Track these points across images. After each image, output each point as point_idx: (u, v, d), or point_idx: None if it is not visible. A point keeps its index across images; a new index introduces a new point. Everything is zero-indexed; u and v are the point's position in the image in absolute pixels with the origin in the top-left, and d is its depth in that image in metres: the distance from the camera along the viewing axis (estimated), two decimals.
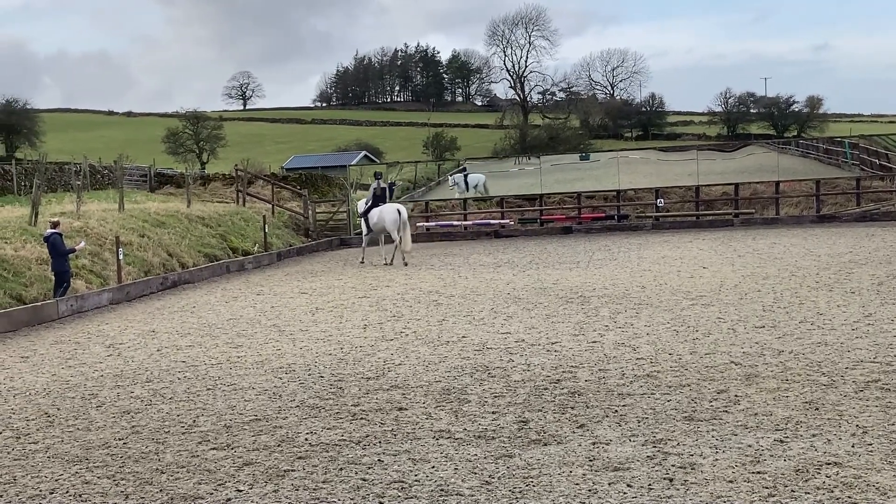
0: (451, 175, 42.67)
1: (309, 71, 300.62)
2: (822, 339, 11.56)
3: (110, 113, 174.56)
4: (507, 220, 37.16)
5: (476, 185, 40.16)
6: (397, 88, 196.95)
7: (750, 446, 7.32)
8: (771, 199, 36.63)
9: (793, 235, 28.27)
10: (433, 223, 37.64)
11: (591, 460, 7.17)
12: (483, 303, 16.65)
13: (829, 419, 7.99)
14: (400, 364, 11.39)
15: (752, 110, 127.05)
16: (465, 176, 41.04)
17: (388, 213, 26.17)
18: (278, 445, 8.11)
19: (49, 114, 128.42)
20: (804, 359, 10.43)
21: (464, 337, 13.07)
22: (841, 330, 12.09)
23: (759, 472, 6.66)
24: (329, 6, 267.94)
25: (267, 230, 30.83)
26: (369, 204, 27.15)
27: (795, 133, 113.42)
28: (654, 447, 7.42)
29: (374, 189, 27.38)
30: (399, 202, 30.99)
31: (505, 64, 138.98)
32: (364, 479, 7.00)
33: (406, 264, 25.55)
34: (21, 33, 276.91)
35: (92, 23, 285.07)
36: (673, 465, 6.93)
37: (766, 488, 6.33)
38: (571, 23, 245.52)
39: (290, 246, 32.48)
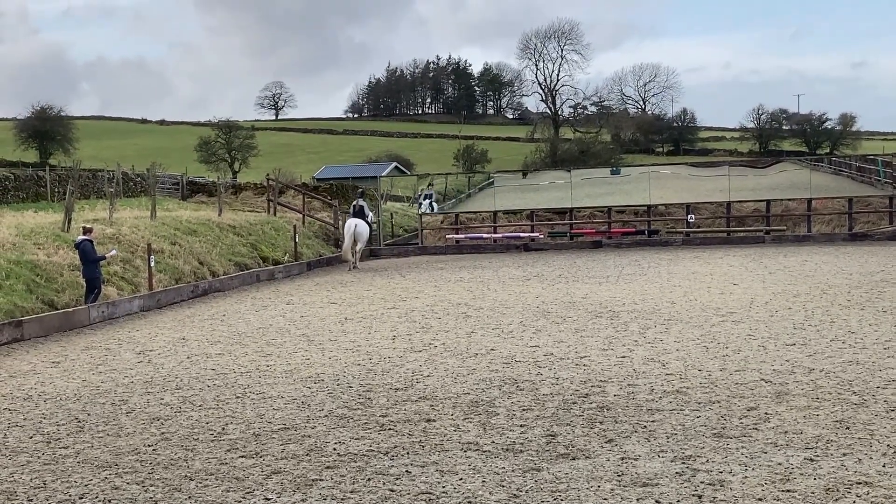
0: (421, 196, 43.28)
1: (342, 82, 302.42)
2: (853, 357, 11.47)
3: (144, 121, 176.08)
4: (537, 234, 37.14)
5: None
6: (429, 100, 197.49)
7: (780, 464, 7.26)
8: (802, 216, 36.41)
9: (824, 253, 28.07)
10: (463, 235, 37.66)
11: (619, 475, 7.14)
12: (512, 316, 16.63)
13: (859, 438, 7.92)
14: (428, 375, 11.40)
15: (784, 127, 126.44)
16: (430, 197, 42.10)
17: (346, 225, 30.12)
18: (307, 455, 8.13)
19: (84, 121, 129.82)
20: (835, 377, 10.35)
21: (492, 349, 13.07)
22: (872, 349, 11.99)
23: (788, 491, 6.61)
24: (368, 16, 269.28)
25: (297, 240, 30.94)
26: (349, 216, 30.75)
27: (828, 150, 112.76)
28: (683, 463, 7.38)
29: (353, 205, 31.01)
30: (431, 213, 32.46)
31: (536, 77, 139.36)
32: (392, 490, 7.01)
33: (353, 266, 29.48)
34: (61, 39, 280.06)
35: (132, 29, 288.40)
36: (702, 482, 6.89)
37: None
38: (608, 35, 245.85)
39: (321, 256, 32.58)
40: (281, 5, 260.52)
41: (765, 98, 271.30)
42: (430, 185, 44.34)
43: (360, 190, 33.77)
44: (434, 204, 42.95)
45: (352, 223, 29.72)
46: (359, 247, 30.06)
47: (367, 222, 30.48)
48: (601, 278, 23.05)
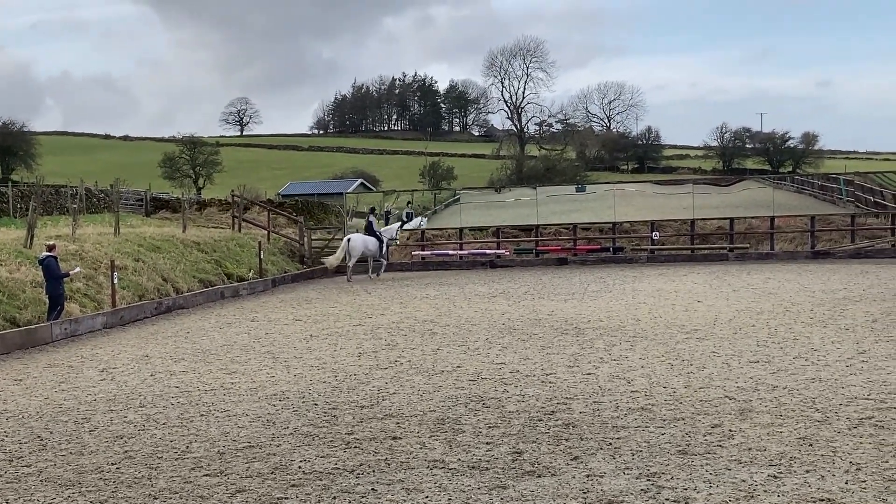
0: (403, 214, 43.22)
1: (308, 98, 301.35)
2: (816, 375, 11.58)
3: (107, 136, 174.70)
4: (503, 251, 37.22)
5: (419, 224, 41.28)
6: (395, 117, 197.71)
7: (744, 481, 7.33)
8: (766, 234, 36.72)
9: (787, 271, 28.33)
10: (429, 252, 37.66)
11: (584, 493, 7.17)
12: (478, 333, 16.66)
13: (822, 455, 8.01)
14: (394, 393, 11.39)
15: (747, 145, 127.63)
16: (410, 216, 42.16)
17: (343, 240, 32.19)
18: (272, 473, 8.10)
19: (47, 136, 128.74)
20: (798, 394, 10.45)
21: (458, 367, 13.08)
22: (835, 366, 12.12)
23: None
24: (336, 31, 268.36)
25: (262, 256, 30.84)
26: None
27: (791, 169, 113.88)
28: (649, 480, 7.43)
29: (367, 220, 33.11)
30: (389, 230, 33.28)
31: (502, 95, 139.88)
32: None
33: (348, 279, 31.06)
34: (27, 54, 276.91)
35: (99, 45, 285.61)
36: (667, 499, 6.93)
37: None
38: (574, 53, 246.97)
39: (286, 272, 32.47)
40: (250, 21, 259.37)
41: (730, 117, 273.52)
42: (408, 203, 44.36)
43: (371, 207, 35.60)
44: (423, 220, 42.95)
45: (346, 238, 31.91)
46: (351, 261, 31.46)
47: (378, 238, 32.32)
48: (567, 295, 23.13)
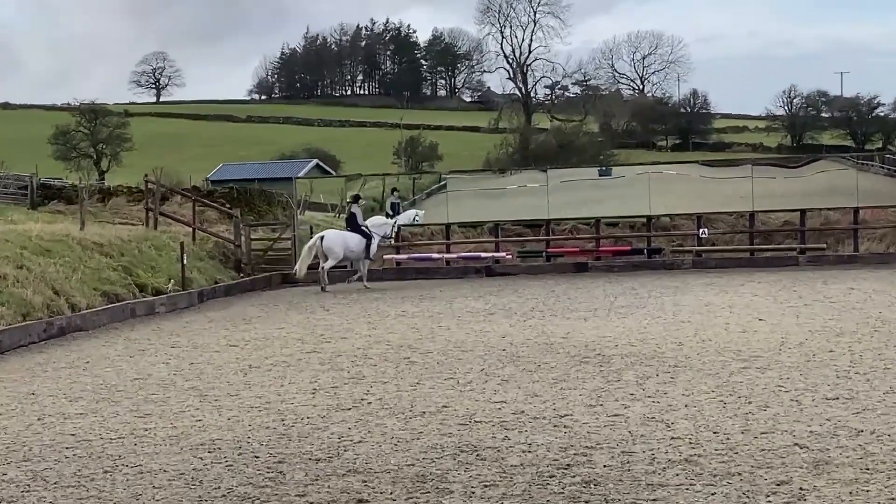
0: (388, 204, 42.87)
1: (246, 53, 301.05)
2: None
3: None
4: (504, 254, 37.27)
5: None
6: (360, 78, 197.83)
7: None
8: (847, 230, 36.84)
9: (876, 279, 28.41)
10: (405, 256, 37.69)
11: None
12: (470, 362, 16.66)
13: None
14: (360, 441, 11.38)
15: (823, 114, 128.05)
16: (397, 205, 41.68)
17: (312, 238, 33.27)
18: None
19: None
20: (890, 441, 10.47)
21: (445, 406, 13.07)
22: None
23: None
24: None
25: (186, 262, 30.77)
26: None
27: (880, 145, 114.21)
28: None
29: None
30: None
31: (502, 48, 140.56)
32: None
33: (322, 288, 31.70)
34: None
35: None
36: None
37: None
38: None
39: (217, 283, 32.43)
40: None
41: (800, 77, 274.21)
42: (393, 190, 44.06)
43: (355, 194, 36.39)
44: (419, 213, 42.52)
45: (318, 236, 32.75)
46: (328, 263, 32.15)
47: (365, 233, 33.06)
48: (587, 312, 23.15)
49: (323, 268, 32.16)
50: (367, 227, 33.26)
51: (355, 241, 32.68)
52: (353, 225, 33.36)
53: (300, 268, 32.56)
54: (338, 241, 32.36)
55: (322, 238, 32.32)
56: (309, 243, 32.78)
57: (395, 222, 35.34)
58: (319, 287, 31.79)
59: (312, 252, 32.25)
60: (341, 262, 32.96)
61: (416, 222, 40.19)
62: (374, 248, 33.38)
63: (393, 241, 38.69)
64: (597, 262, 35.95)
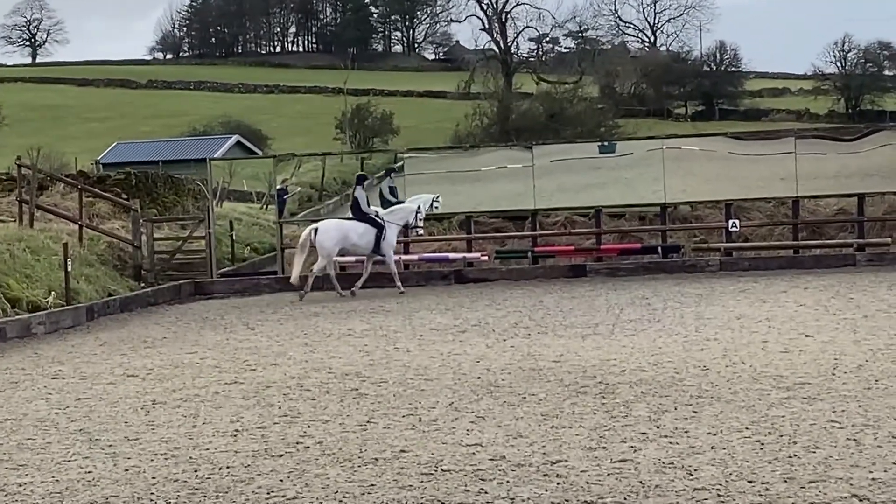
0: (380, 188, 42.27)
1: (145, 3, 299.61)
2: None
3: None
4: (478, 254, 37.26)
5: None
6: (293, 31, 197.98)
7: None
8: None
9: None
10: (352, 259, 37.64)
11: None
12: (436, 394, 16.65)
13: None
14: (294, 498, 11.36)
15: (886, 72, 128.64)
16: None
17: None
18: None
19: None
20: None
21: (403, 451, 13.05)
22: None
23: None
24: None
25: (71, 269, 30.64)
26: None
27: None
28: None
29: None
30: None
31: None
32: None
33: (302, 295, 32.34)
34: None
35: None
36: None
37: None
38: None
39: (111, 295, 32.31)
40: None
41: (855, 25, 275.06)
42: (389, 171, 42.21)
43: (359, 174, 36.20)
44: (437, 199, 40.87)
45: (311, 227, 33.28)
46: (318, 264, 33.20)
47: (375, 222, 33.34)
48: (586, 328, 23.19)
49: (313, 273, 32.83)
50: (375, 214, 33.55)
51: (358, 231, 32.88)
52: (357, 212, 33.67)
53: (294, 271, 32.83)
54: (332, 233, 32.55)
55: (315, 231, 32.67)
56: (301, 238, 33.22)
57: (419, 207, 34.75)
58: (298, 294, 32.34)
59: (306, 249, 32.70)
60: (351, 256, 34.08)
61: (435, 209, 39.38)
62: (390, 240, 33.49)
63: None
64: (597, 263, 35.99)
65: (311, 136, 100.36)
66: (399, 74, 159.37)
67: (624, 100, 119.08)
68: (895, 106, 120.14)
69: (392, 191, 38.96)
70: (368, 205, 33.78)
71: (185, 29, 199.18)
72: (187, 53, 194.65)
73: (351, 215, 33.90)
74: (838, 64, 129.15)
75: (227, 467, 12.77)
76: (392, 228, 33.47)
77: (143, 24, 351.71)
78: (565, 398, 15.83)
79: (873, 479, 11.04)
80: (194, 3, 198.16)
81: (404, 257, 37.27)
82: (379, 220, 33.26)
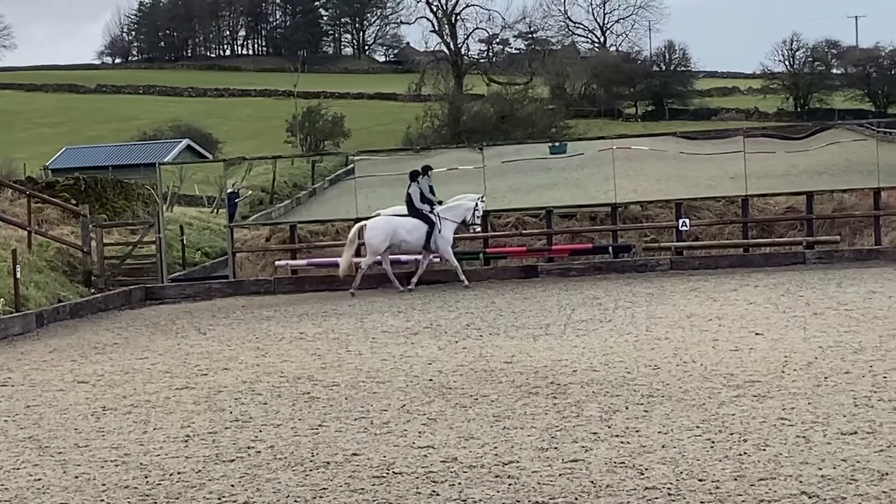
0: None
1: (93, 7, 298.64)
2: None
3: None
4: (431, 256, 37.22)
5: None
6: (243, 34, 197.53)
7: None
8: (867, 217, 37.13)
9: None
10: (304, 261, 37.57)
11: None
12: (388, 396, 16.64)
13: None
14: (246, 502, 11.34)
15: (834, 70, 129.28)
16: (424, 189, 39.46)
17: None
18: None
19: None
20: None
21: (355, 455, 13.04)
22: None
23: None
24: None
25: (20, 275, 30.50)
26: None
27: None
28: None
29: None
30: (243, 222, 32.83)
31: None
32: None
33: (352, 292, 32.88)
34: None
35: None
36: None
37: None
38: None
39: (60, 302, 32.16)
40: None
41: (804, 24, 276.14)
42: (427, 169, 39.32)
43: (413, 170, 35.32)
44: (481, 199, 38.66)
45: (359, 224, 33.62)
46: (366, 260, 33.47)
47: (426, 218, 33.41)
48: (537, 329, 23.22)
49: (362, 269, 33.23)
50: (432, 210, 33.61)
51: (408, 227, 33.10)
52: (410, 208, 33.81)
53: (342, 265, 33.22)
54: (380, 229, 32.86)
55: (363, 227, 33.05)
56: (350, 234, 33.47)
57: (476, 204, 34.45)
58: (349, 291, 32.73)
59: (354, 244, 33.12)
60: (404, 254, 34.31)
61: (479, 212, 38.76)
62: (446, 237, 33.59)
63: (285, 241, 38.60)
64: (549, 264, 35.98)
65: (262, 140, 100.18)
66: (349, 77, 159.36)
67: (574, 100, 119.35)
68: (843, 104, 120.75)
69: (431, 189, 38.22)
70: (422, 201, 33.79)
71: (133, 33, 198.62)
72: (136, 58, 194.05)
73: (408, 212, 33.74)
74: (787, 63, 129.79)
75: (178, 473, 12.74)
76: (448, 225, 33.66)
77: (91, 29, 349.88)
78: (517, 399, 15.86)
79: (822, 475, 11.10)
80: (143, 7, 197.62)
81: (355, 260, 37.16)
82: (432, 216, 33.43)
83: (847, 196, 38.95)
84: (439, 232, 33.25)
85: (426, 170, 34.47)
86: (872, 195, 37.11)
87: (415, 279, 33.53)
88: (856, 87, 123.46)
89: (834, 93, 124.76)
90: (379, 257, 33.27)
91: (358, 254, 33.77)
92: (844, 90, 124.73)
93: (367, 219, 34.30)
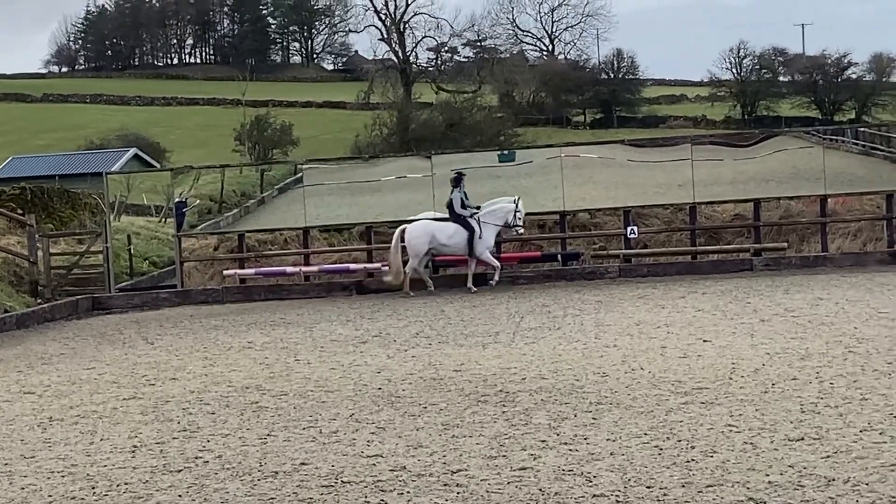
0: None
1: (39, 15, 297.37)
2: None
3: None
4: (379, 265, 37.20)
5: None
6: (190, 43, 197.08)
7: None
8: (814, 224, 37.32)
9: (851, 285, 28.83)
10: (252, 270, 37.50)
11: None
12: (336, 405, 16.62)
13: None
14: None
15: (781, 78, 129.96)
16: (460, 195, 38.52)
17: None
18: None
19: None
20: (870, 492, 10.60)
21: (304, 464, 13.02)
22: None
23: None
24: None
25: None
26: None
27: (853, 116, 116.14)
28: None
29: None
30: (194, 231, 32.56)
31: (372, 1, 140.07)
32: None
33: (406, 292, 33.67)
34: None
35: None
36: None
37: None
38: None
39: (6, 312, 32.00)
40: None
41: (751, 31, 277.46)
42: (460, 175, 38.20)
43: (455, 176, 35.65)
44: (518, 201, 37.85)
45: (399, 230, 34.13)
46: (410, 263, 33.91)
47: (464, 223, 33.81)
48: (486, 337, 23.22)
49: (406, 273, 33.66)
50: (472, 214, 33.97)
51: (447, 233, 33.58)
52: (452, 213, 34.21)
53: (392, 269, 33.70)
54: (419, 233, 33.44)
55: (403, 231, 33.72)
56: (393, 240, 33.87)
57: (517, 206, 34.42)
58: (412, 291, 33.71)
59: (399, 249, 33.54)
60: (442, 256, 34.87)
61: (519, 214, 38.34)
62: (486, 241, 33.92)
63: (233, 251, 38.48)
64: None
65: (210, 148, 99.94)
66: (298, 85, 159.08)
67: (523, 108, 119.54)
68: (790, 111, 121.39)
69: (458, 181, 37.73)
70: (463, 206, 34.19)
71: (80, 42, 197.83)
72: (83, 66, 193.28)
73: (450, 216, 34.32)
74: (734, 70, 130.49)
75: (126, 483, 12.68)
76: (489, 229, 33.95)
77: (38, 38, 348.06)
78: (466, 407, 15.85)
79: (770, 482, 11.14)
80: (90, 16, 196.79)
81: (304, 269, 37.12)
82: (472, 222, 33.80)
83: (794, 203, 39.19)
84: (479, 237, 33.64)
85: (461, 177, 34.67)
86: (819, 202, 37.31)
87: (470, 283, 33.88)
88: (802, 94, 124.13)
89: (781, 100, 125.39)
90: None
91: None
92: (791, 98, 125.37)
93: (407, 222, 34.65)
